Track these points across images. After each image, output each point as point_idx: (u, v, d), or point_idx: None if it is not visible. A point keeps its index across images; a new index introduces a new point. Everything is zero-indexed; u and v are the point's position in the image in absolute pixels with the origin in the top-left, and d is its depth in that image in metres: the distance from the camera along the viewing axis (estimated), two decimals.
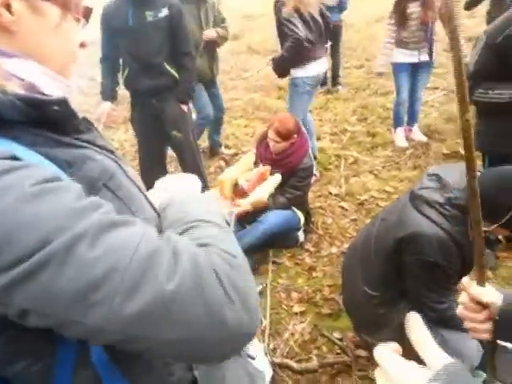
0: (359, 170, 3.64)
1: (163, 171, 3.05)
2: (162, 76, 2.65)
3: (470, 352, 1.59)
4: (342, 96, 5.28)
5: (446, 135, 4.02)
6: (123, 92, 2.93)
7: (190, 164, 2.95)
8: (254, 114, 4.93)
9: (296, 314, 2.24)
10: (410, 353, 0.46)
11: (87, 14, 0.66)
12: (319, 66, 3.30)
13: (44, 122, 0.52)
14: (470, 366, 1.57)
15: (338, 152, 3.94)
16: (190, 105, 3.02)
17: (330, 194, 3.33)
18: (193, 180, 0.80)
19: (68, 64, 0.62)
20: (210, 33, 3.35)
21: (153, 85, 2.65)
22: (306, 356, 1.99)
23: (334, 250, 2.71)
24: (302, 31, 3.02)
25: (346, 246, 2.62)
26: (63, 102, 0.54)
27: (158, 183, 0.81)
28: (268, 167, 2.43)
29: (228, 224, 0.63)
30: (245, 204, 2.43)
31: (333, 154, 3.90)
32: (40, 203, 0.43)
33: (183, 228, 0.58)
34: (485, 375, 1.56)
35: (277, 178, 0.80)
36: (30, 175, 0.45)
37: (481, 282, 0.34)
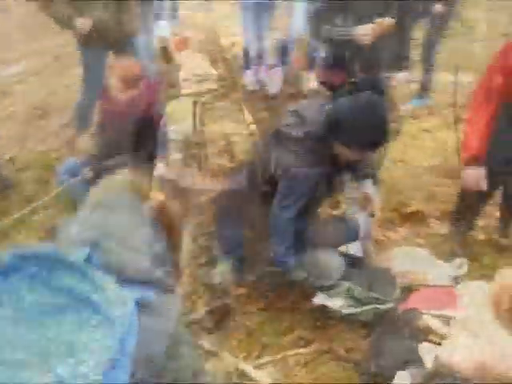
0: (214, 116, 3.61)
1: None
2: None
3: (335, 265, 1.84)
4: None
5: None
6: None
7: None
8: None
9: None
10: None
11: None
12: None
13: None
14: (336, 276, 1.81)
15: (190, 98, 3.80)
16: None
17: (191, 142, 3.24)
18: None
19: None
20: None
21: None
22: (191, 307, 1.98)
23: (202, 198, 2.69)
24: None
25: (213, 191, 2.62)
26: None
27: None
28: None
29: None
30: None
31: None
32: None
33: None
34: (347, 285, 1.82)
35: None
36: None
37: None
